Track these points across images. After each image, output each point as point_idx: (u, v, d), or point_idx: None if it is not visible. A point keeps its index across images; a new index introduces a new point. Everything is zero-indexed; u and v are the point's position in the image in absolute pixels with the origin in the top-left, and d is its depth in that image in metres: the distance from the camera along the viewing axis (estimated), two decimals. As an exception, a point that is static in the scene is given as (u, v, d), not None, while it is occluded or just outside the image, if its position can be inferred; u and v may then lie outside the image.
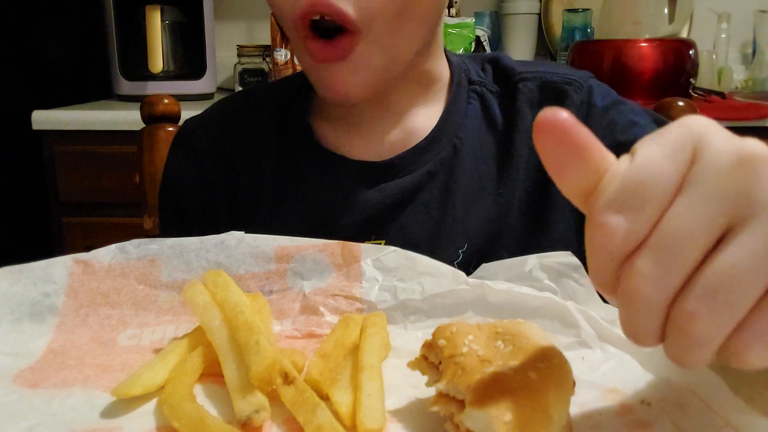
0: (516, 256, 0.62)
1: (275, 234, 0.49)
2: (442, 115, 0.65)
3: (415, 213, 0.63)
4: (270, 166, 0.67)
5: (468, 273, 0.62)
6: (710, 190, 0.25)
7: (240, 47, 1.91)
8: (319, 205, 0.64)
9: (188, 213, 0.70)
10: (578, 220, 0.64)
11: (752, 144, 0.26)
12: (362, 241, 0.62)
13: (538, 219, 0.64)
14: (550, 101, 0.64)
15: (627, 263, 0.26)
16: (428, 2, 0.58)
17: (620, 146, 0.61)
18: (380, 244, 0.62)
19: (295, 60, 1.80)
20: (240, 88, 1.87)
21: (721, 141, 0.26)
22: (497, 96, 0.67)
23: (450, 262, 0.62)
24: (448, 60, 0.69)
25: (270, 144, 0.68)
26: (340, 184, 0.64)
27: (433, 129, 0.65)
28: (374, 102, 0.64)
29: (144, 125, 0.95)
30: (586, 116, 0.64)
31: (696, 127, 0.27)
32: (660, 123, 0.64)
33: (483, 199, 0.64)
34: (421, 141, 0.64)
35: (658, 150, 0.27)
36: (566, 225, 0.64)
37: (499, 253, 0.62)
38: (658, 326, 0.27)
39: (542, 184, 0.64)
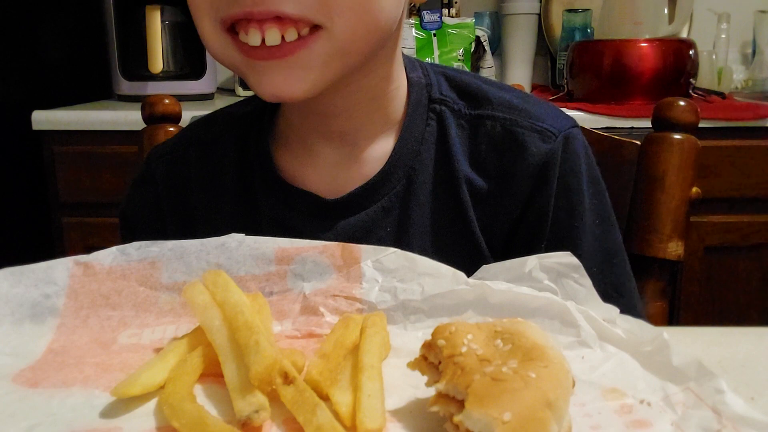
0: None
1: None
2: (397, 142, 0.62)
3: None
4: (228, 194, 0.66)
5: None
6: None
7: (240, 47, 1.91)
8: (274, 235, 0.64)
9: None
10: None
11: None
12: None
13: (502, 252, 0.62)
14: (508, 151, 0.61)
15: None
16: (390, 3, 0.53)
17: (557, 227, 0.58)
18: None
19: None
20: (240, 89, 1.87)
21: None
22: (460, 117, 0.63)
23: None
24: (408, 76, 0.64)
25: (228, 173, 0.66)
26: (295, 216, 0.63)
27: (387, 161, 0.62)
28: (328, 133, 0.62)
29: (144, 125, 0.95)
30: (544, 165, 0.60)
31: None
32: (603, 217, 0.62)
33: (440, 232, 0.62)
34: (375, 175, 0.62)
35: None
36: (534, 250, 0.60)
37: None
38: None
39: (498, 216, 0.62)
